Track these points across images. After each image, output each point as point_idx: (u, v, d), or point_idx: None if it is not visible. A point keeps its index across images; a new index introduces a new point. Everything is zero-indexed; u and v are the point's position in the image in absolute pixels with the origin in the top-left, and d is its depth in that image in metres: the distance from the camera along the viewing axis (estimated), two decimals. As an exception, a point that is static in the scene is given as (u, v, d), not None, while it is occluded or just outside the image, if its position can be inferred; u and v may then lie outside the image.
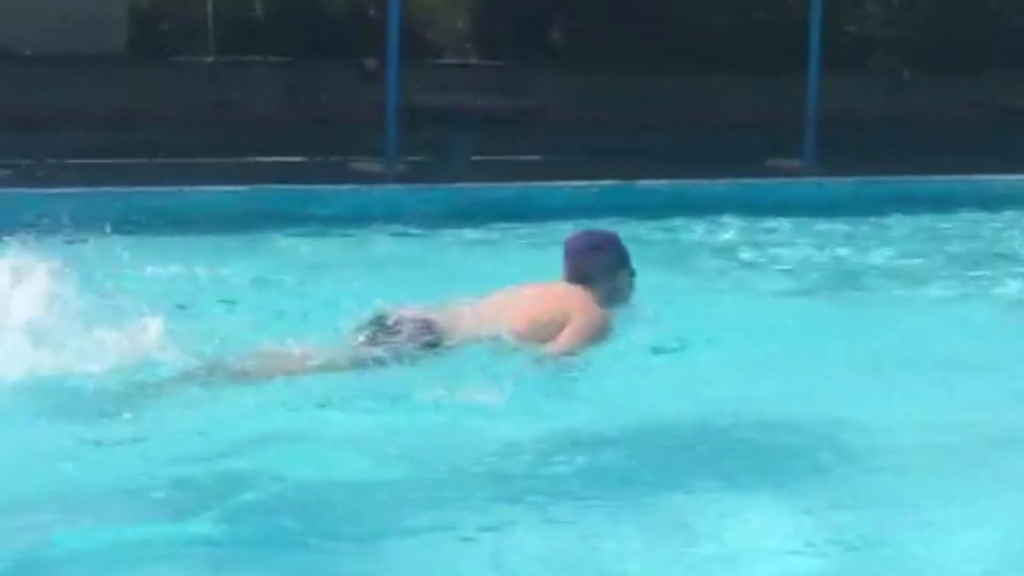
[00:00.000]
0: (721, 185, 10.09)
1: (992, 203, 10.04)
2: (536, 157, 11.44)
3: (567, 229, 5.64)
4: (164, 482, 3.71)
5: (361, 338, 4.56)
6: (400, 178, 10.00)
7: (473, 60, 13.43)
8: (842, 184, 10.75)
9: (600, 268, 4.95)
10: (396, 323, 4.55)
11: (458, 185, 9.59)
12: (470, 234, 8.19)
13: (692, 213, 9.06)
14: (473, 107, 11.25)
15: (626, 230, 5.63)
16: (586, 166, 10.26)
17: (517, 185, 9.72)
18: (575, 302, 4.83)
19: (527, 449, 4.10)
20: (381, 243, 7.91)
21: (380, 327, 4.56)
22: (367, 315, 4.61)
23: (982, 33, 13.19)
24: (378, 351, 4.49)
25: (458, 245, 7.97)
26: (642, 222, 8.15)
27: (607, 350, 4.79)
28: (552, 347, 4.71)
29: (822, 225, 9.33)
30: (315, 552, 3.40)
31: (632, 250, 5.16)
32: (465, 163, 10.49)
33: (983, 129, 12.46)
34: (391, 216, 8.39)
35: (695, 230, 8.83)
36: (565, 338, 4.72)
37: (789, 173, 11.46)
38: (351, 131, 10.66)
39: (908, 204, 9.98)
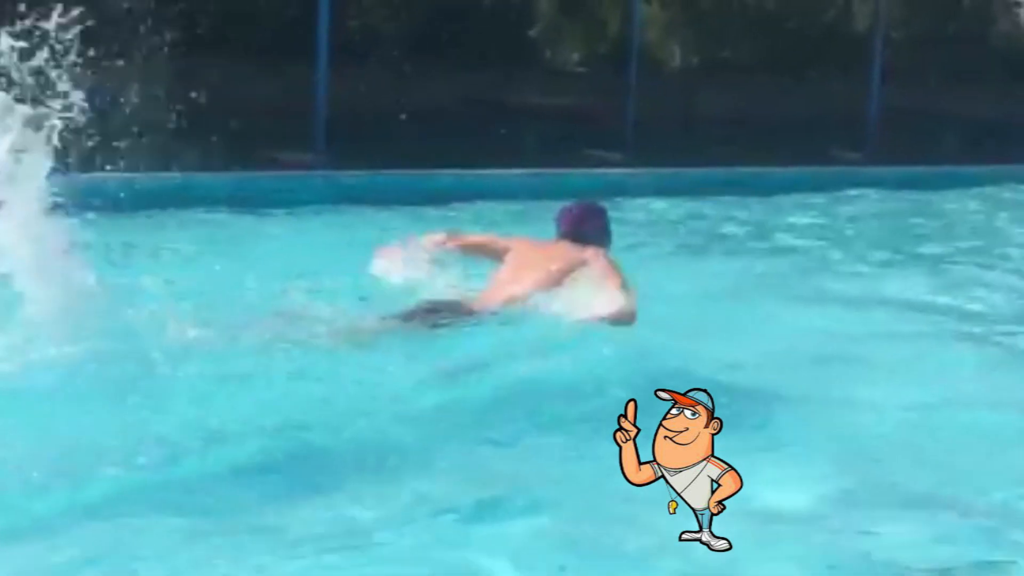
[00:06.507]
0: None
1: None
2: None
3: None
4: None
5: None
6: None
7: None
8: (356, 177, 10.82)
9: (597, 231, 5.63)
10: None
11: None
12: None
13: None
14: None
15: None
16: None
17: None
18: (591, 254, 5.39)
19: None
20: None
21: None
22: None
23: (477, 31, 13.68)
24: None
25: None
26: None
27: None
28: (608, 307, 5.01)
29: (330, 216, 9.44)
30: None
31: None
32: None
33: (478, 122, 12.94)
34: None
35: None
36: (613, 297, 5.06)
37: (300, 166, 11.42)
38: None
39: (420, 197, 10.23)
